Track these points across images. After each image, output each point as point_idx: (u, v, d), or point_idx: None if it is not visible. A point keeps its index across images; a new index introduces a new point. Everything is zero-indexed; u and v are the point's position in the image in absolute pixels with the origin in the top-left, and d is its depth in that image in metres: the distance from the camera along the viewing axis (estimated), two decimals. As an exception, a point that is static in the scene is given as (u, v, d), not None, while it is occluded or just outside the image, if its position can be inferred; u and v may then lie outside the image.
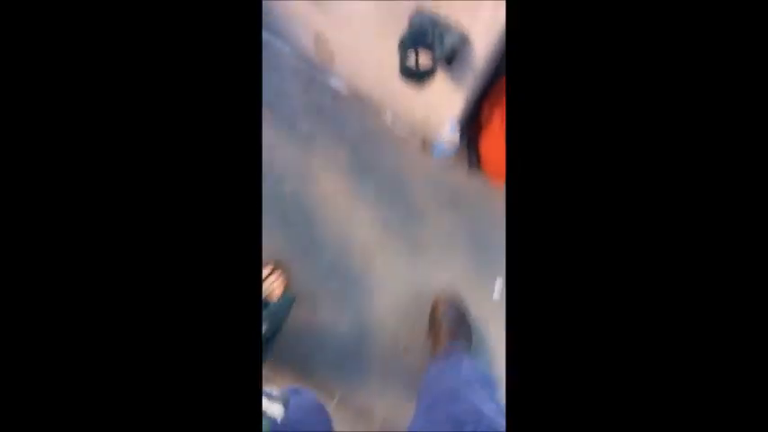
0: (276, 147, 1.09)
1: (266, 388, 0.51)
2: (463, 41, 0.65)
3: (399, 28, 0.68)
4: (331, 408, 0.95)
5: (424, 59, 0.67)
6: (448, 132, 0.89)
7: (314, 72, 1.13)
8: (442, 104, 0.87)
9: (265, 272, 0.98)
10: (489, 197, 1.05)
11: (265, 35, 1.17)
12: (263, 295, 0.94)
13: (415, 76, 0.69)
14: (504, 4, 0.58)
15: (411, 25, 0.65)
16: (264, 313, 0.84)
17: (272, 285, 0.97)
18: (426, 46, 0.67)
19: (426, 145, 1.06)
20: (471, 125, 0.94)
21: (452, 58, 0.67)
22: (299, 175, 1.08)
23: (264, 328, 0.81)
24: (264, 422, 0.47)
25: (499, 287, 1.01)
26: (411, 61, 0.68)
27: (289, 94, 1.13)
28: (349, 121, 1.11)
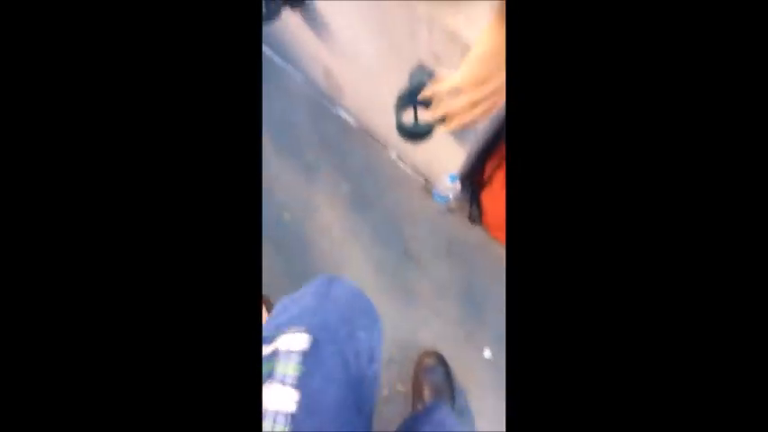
0: (280, 173, 1.08)
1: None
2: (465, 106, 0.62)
3: (407, 66, 0.65)
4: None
5: (423, 115, 0.64)
6: (447, 183, 0.85)
7: (324, 101, 1.11)
8: (444, 155, 0.84)
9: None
10: (488, 249, 1.00)
11: (278, 60, 1.17)
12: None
13: (413, 133, 0.65)
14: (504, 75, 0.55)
15: (411, 81, 0.62)
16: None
17: None
18: (425, 104, 0.64)
19: (429, 186, 1.03)
20: (473, 179, 0.90)
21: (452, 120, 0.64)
22: (300, 204, 1.06)
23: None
24: None
25: (489, 353, 0.96)
26: (409, 117, 0.65)
27: (297, 121, 1.12)
28: (354, 153, 1.08)
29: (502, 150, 0.81)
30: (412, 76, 0.61)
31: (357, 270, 1.01)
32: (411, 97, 0.63)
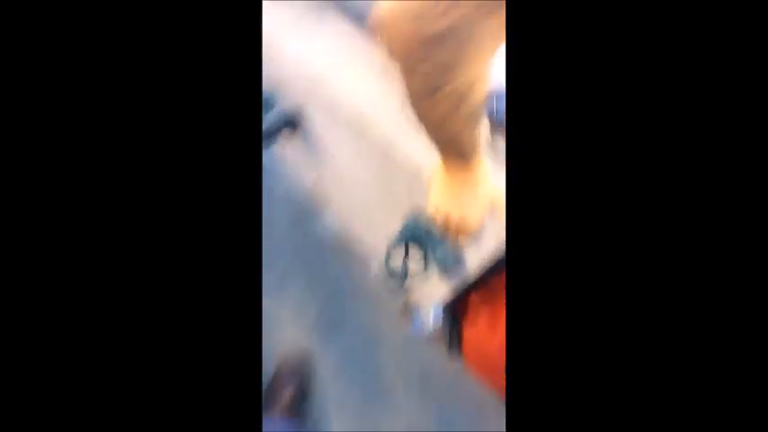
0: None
1: None
2: (457, 257, 0.59)
3: (397, 188, 0.63)
4: None
5: (414, 264, 0.61)
6: (431, 317, 0.80)
7: (304, 209, 1.08)
8: (429, 281, 0.80)
9: None
10: (464, 385, 0.93)
11: (265, 159, 1.15)
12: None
13: (401, 278, 0.62)
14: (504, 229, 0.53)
15: (403, 229, 0.59)
16: None
17: None
18: (417, 249, 0.61)
19: (407, 310, 0.97)
20: (456, 311, 0.86)
21: (444, 268, 0.61)
22: (265, 318, 0.97)
23: None
24: None
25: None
26: (397, 261, 0.61)
27: (272, 227, 1.06)
28: (329, 267, 1.03)
29: (489, 284, 0.79)
30: (406, 223, 0.60)
31: (317, 399, 0.90)
32: (403, 243, 0.61)
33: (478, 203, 0.55)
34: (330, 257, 1.04)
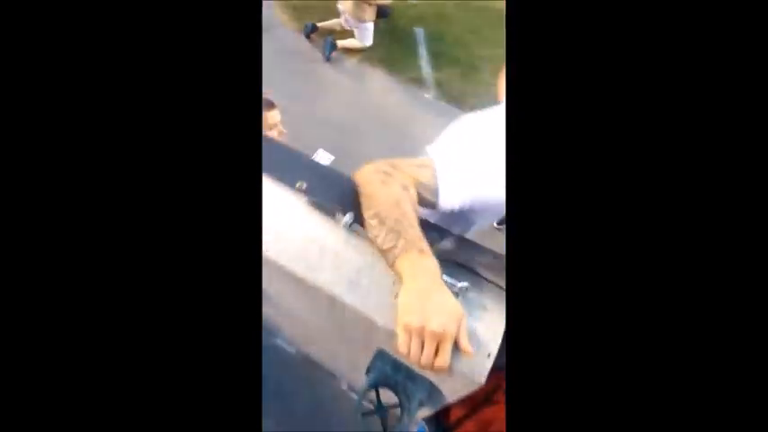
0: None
1: None
2: (434, 393, 0.55)
3: (352, 330, 0.58)
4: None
5: (390, 408, 0.56)
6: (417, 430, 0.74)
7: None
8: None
9: None
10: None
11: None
12: None
13: (379, 416, 0.56)
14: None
15: (371, 371, 0.55)
16: None
17: None
18: (390, 391, 0.56)
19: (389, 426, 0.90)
20: (443, 422, 0.81)
21: (423, 405, 0.57)
22: None
23: None
24: None
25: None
26: (371, 400, 0.56)
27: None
28: (299, 388, 0.95)
29: (469, 399, 0.75)
30: (372, 364, 0.55)
31: None
32: (373, 385, 0.56)
33: (445, 316, 0.50)
34: (296, 374, 0.96)
